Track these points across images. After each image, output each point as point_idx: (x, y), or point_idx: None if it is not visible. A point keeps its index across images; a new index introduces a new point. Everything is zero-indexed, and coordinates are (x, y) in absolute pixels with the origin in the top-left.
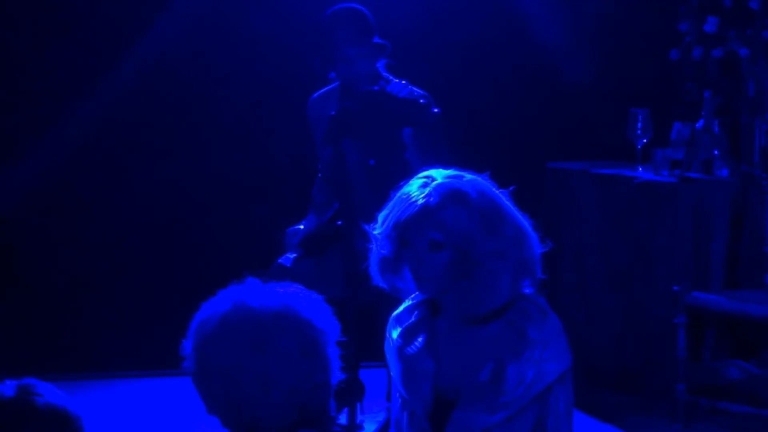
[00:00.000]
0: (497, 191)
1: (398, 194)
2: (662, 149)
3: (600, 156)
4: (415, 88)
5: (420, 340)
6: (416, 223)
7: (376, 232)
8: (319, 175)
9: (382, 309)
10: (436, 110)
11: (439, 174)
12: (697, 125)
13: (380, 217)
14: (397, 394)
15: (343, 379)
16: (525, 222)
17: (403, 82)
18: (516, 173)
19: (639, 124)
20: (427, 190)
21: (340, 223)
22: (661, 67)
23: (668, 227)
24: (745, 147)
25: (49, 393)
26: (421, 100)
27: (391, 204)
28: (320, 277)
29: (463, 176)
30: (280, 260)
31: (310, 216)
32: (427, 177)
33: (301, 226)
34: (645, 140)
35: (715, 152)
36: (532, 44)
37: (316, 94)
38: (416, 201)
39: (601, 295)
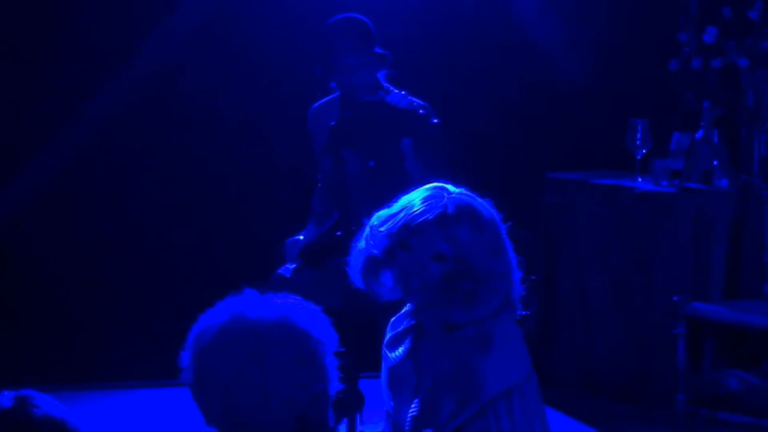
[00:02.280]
0: (500, 220)
1: (405, 198)
2: (662, 159)
3: (599, 166)
4: (414, 99)
5: (403, 349)
6: (428, 230)
7: (378, 230)
8: (319, 185)
9: (381, 320)
10: (435, 121)
11: (451, 187)
12: (696, 135)
13: (381, 216)
14: (386, 413)
15: (343, 389)
16: (514, 257)
17: (403, 92)
18: (515, 183)
19: (638, 135)
20: (443, 201)
21: (339, 233)
22: (661, 77)
23: (668, 237)
24: (744, 157)
25: (46, 404)
26: (421, 111)
27: (396, 206)
28: (320, 288)
29: (474, 196)
30: (279, 271)
31: (309, 226)
32: (439, 188)
33: (301, 237)
34: (644, 150)
35: (715, 162)
36: (531, 54)
37: (316, 104)
38: (431, 208)
39: (601, 306)
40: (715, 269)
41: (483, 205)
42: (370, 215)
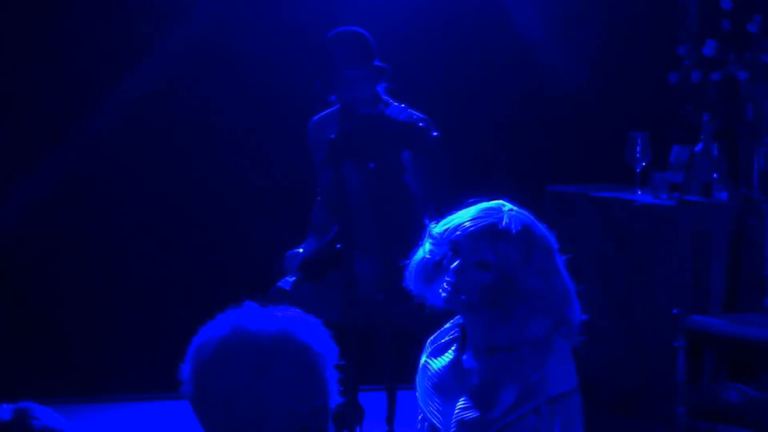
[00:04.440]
0: (557, 250)
1: (466, 209)
2: (661, 172)
3: (599, 179)
4: (414, 112)
5: (447, 360)
6: (476, 237)
7: (435, 233)
8: (319, 198)
9: (380, 333)
10: (435, 134)
11: (511, 206)
12: (696, 148)
13: (443, 221)
14: (419, 417)
15: (343, 402)
16: (572, 287)
17: (403, 105)
18: (515, 196)
19: (638, 148)
20: (500, 213)
21: (339, 246)
22: (660, 90)
23: (667, 250)
24: (743, 170)
25: (46, 417)
26: (421, 124)
27: (456, 215)
28: (319, 301)
29: (534, 220)
30: (279, 283)
31: (309, 239)
32: (500, 204)
33: (301, 250)
34: (644, 163)
35: (714, 175)
36: (530, 68)
37: (315, 117)
38: (486, 217)
39: (601, 319)
40: (715, 282)
41: (540, 228)
42: (369, 228)
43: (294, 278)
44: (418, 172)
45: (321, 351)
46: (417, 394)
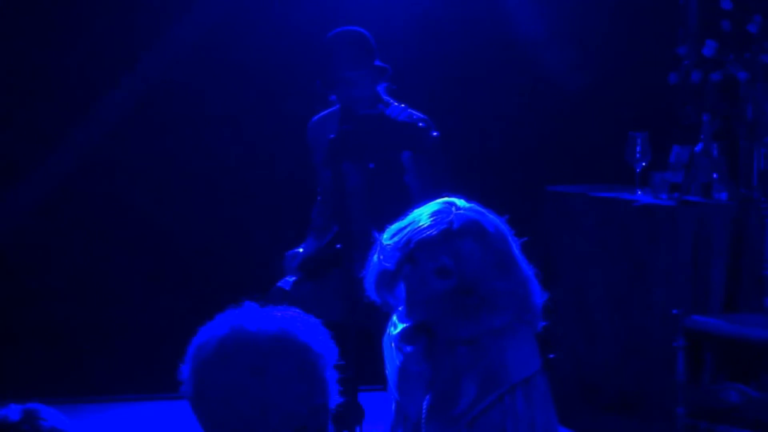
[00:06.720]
0: (511, 236)
1: (415, 213)
2: (661, 173)
3: (599, 179)
4: (414, 112)
5: (417, 344)
6: (432, 245)
7: (385, 243)
8: (319, 198)
9: (381, 333)
10: (435, 134)
11: (461, 203)
12: (695, 149)
13: (392, 229)
14: (394, 404)
15: (342, 402)
16: (530, 270)
17: (403, 105)
18: (515, 197)
19: (638, 148)
20: (450, 216)
21: (339, 246)
22: (660, 90)
23: (667, 250)
24: (743, 170)
25: (53, 417)
26: (420, 124)
27: (405, 220)
28: (319, 301)
29: (484, 213)
30: (279, 284)
31: (309, 239)
32: (449, 202)
33: (300, 250)
34: (644, 164)
35: (714, 175)
36: (531, 68)
37: (315, 117)
38: (437, 223)
39: (601, 319)
40: (715, 282)
41: (491, 221)
42: (369, 228)
43: (294, 278)
44: (418, 172)
45: (321, 351)
46: (389, 379)
